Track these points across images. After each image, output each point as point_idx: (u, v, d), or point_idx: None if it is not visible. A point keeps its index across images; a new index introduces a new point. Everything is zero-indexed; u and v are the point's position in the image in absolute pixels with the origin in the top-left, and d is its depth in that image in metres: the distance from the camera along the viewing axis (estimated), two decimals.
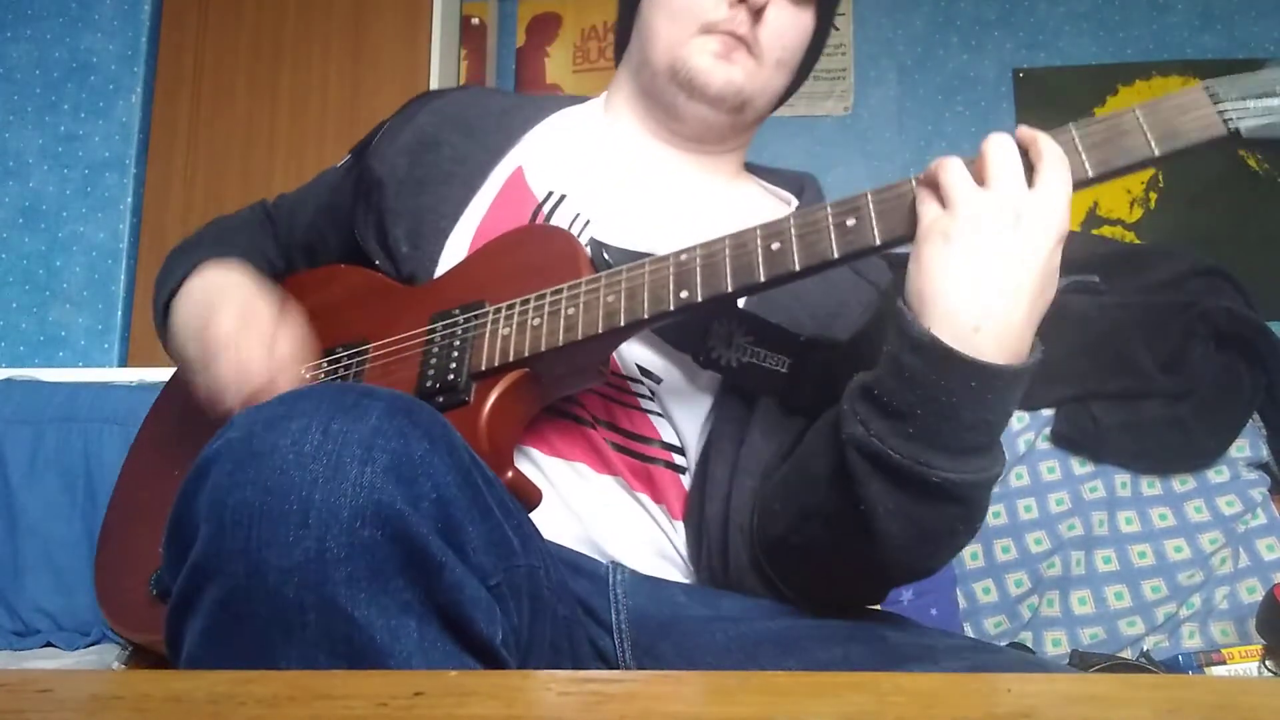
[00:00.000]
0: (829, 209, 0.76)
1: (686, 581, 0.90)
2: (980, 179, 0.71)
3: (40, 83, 2.80)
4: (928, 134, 3.02)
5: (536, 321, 0.81)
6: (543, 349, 0.80)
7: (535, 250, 0.88)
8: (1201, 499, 1.79)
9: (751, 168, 1.11)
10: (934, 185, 0.73)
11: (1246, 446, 1.82)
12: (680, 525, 0.90)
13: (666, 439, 0.91)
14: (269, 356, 0.87)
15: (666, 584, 0.88)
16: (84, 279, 2.71)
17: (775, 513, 0.83)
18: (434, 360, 0.85)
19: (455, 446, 0.63)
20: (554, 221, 0.94)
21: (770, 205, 1.05)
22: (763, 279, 0.76)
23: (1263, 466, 1.82)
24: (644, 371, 0.90)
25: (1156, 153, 0.70)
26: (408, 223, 0.97)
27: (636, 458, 0.89)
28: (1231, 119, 0.69)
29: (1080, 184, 0.72)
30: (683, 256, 0.79)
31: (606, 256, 0.86)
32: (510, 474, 0.77)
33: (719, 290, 0.77)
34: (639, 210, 0.97)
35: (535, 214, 0.95)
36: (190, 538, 0.59)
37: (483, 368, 0.82)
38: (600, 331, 0.79)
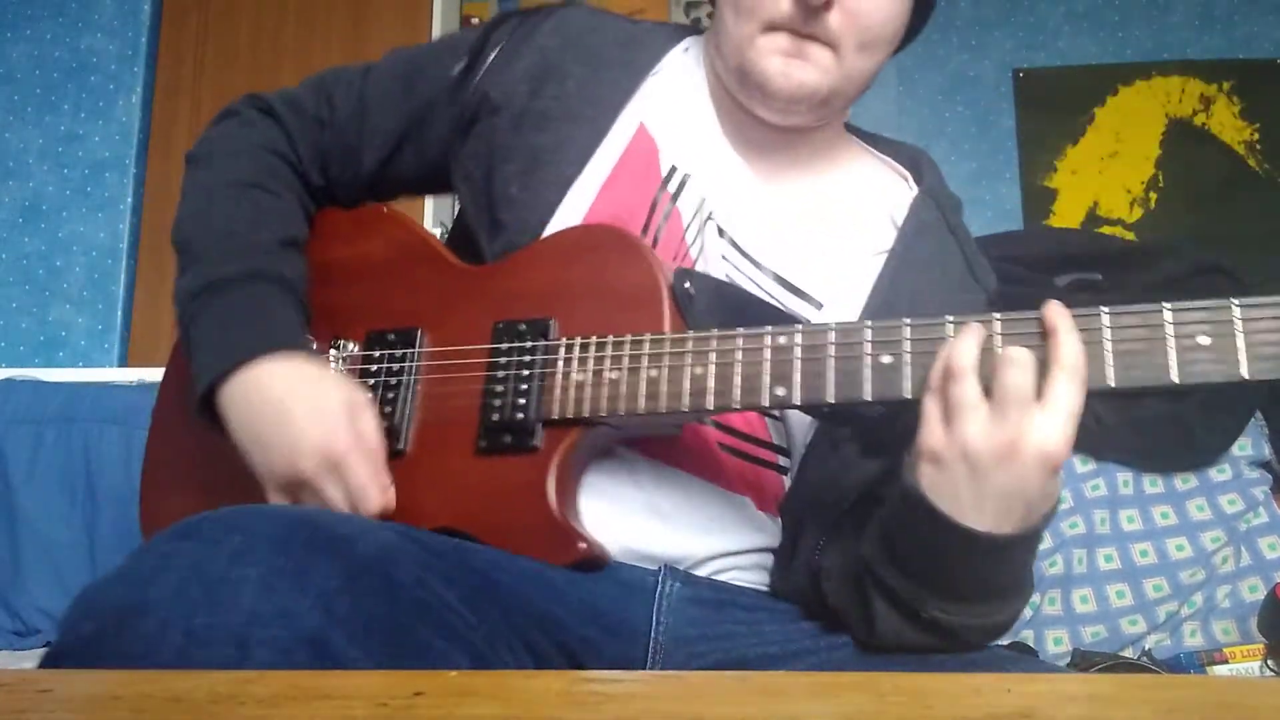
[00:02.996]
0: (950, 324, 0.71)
1: (760, 589, 0.87)
2: (988, 387, 0.66)
3: (40, 83, 2.80)
4: (928, 134, 3.01)
5: (615, 375, 0.77)
6: (621, 411, 0.76)
7: (612, 269, 0.82)
8: (1203, 497, 1.79)
9: (855, 131, 1.03)
10: (943, 389, 0.68)
11: (1249, 445, 1.82)
12: (777, 523, 0.88)
13: (776, 440, 0.87)
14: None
15: (726, 603, 0.84)
16: (84, 279, 2.71)
17: (828, 571, 0.81)
18: (499, 389, 0.80)
19: (371, 589, 0.57)
20: (679, 207, 0.88)
21: (886, 182, 0.98)
22: (869, 398, 0.71)
23: (1265, 465, 1.82)
24: None
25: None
26: (521, 160, 0.89)
27: (744, 458, 0.86)
28: None
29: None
30: (780, 339, 0.74)
31: (689, 287, 0.80)
32: (583, 546, 0.76)
33: (819, 399, 0.73)
34: (752, 201, 0.91)
35: (659, 193, 0.88)
36: None
37: (555, 416, 0.78)
38: (685, 409, 0.75)
